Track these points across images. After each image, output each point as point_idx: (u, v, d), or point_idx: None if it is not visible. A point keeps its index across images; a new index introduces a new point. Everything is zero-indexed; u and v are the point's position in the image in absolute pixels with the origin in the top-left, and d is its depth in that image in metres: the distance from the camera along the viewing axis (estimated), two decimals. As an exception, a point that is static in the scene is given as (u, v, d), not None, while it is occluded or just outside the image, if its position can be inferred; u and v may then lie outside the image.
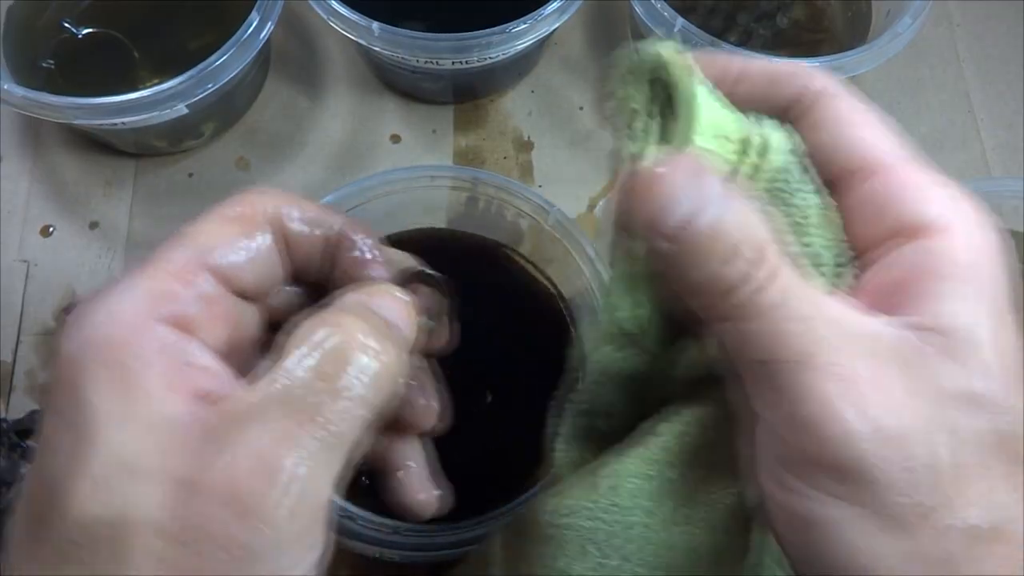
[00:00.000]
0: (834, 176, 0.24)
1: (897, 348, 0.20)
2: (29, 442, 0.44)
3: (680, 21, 0.44)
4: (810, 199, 0.23)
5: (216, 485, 0.20)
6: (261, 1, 0.44)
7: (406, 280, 0.27)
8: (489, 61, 0.45)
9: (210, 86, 0.42)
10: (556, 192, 0.50)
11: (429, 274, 0.28)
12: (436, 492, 0.29)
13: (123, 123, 0.43)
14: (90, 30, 0.49)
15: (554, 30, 0.46)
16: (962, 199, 0.23)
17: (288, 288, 0.27)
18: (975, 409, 0.19)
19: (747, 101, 0.24)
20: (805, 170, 0.23)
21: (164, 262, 0.23)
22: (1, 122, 0.51)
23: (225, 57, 0.43)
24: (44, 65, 0.48)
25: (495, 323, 0.43)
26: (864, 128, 0.24)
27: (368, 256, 0.27)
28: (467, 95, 0.52)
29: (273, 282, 0.26)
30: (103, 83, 0.47)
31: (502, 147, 0.52)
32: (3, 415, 0.44)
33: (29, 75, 0.47)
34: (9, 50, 0.48)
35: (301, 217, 0.26)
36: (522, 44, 0.44)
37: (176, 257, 0.23)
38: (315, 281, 0.27)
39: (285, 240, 0.26)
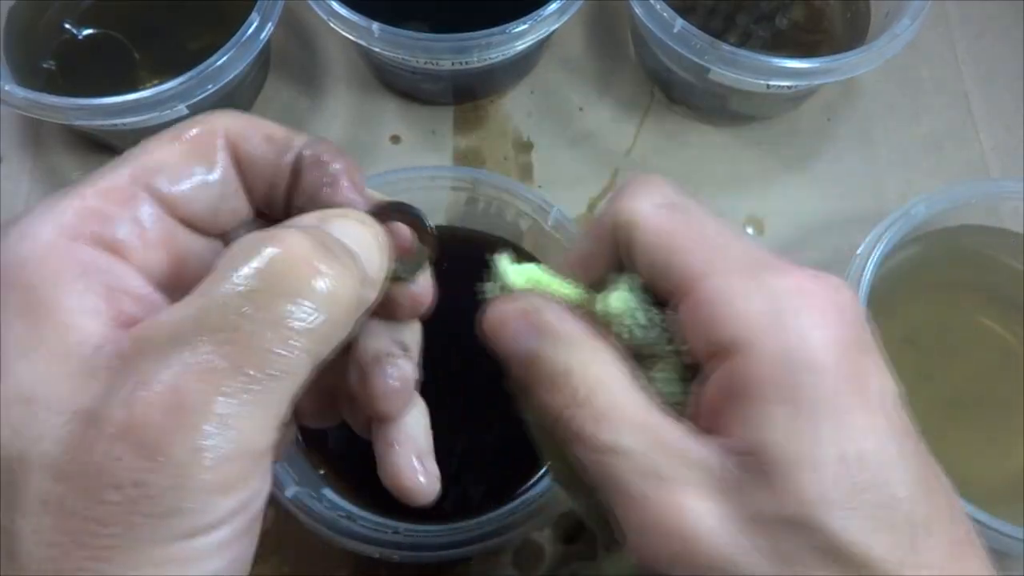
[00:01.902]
0: (668, 294, 0.23)
1: (711, 473, 0.20)
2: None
3: (679, 22, 0.44)
4: (651, 334, 0.24)
5: (116, 417, 0.17)
6: (261, 2, 0.44)
7: (380, 213, 0.23)
8: (489, 62, 0.45)
9: (210, 87, 0.43)
10: (556, 192, 0.50)
11: (408, 208, 0.24)
12: (434, 473, 0.26)
13: (123, 124, 0.43)
14: (91, 31, 0.49)
15: (554, 31, 0.46)
16: (778, 301, 0.21)
17: (252, 226, 0.24)
18: (793, 529, 0.19)
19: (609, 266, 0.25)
20: (647, 310, 0.24)
21: (97, 179, 0.21)
22: (1, 123, 0.51)
23: (225, 58, 0.43)
24: (45, 66, 0.48)
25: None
26: (678, 242, 0.23)
27: (338, 182, 0.23)
28: (467, 96, 0.52)
29: (232, 217, 0.23)
30: (103, 84, 0.47)
31: (502, 148, 0.52)
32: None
33: (30, 76, 0.47)
34: (10, 51, 0.48)
35: (263, 140, 0.23)
36: (522, 45, 0.44)
37: (111, 176, 0.21)
38: (276, 212, 0.24)
39: (246, 168, 0.23)
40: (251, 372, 0.18)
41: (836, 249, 0.49)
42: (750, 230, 0.50)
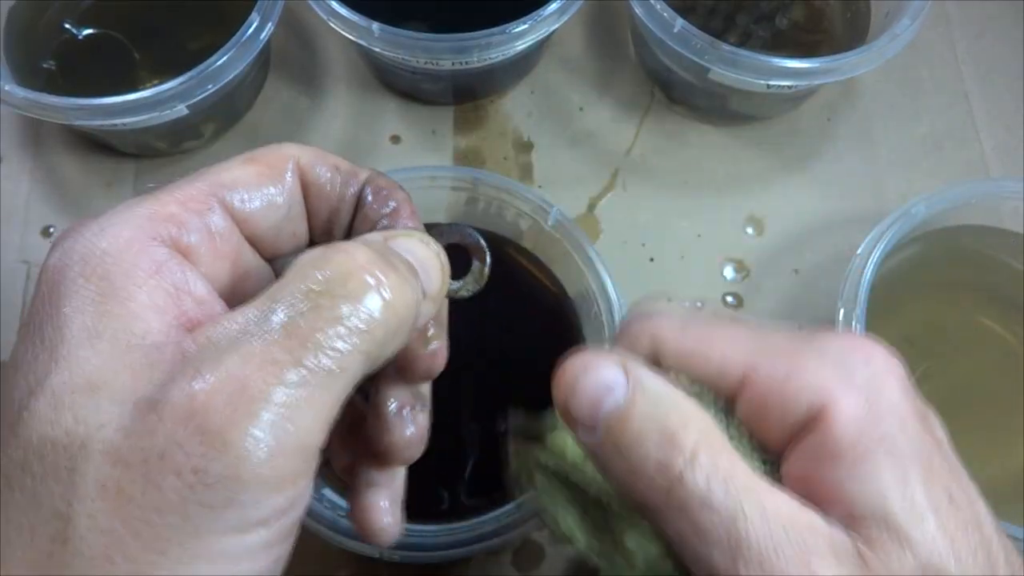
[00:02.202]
0: (729, 399, 0.23)
1: (831, 541, 0.19)
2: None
3: (679, 22, 0.44)
4: (718, 420, 0.23)
5: (178, 404, 0.18)
6: (261, 2, 0.44)
7: (439, 236, 0.24)
8: (489, 62, 0.45)
9: (210, 87, 0.43)
10: (556, 192, 0.50)
11: (469, 234, 0.25)
12: (400, 521, 0.27)
13: (123, 124, 0.43)
14: (91, 31, 0.49)
15: (554, 31, 0.46)
16: (832, 362, 0.21)
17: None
18: None
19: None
20: (711, 397, 0.24)
21: (174, 189, 0.22)
22: (1, 123, 0.51)
23: (225, 58, 0.43)
24: (45, 66, 0.48)
25: (497, 321, 0.43)
26: (709, 345, 0.23)
27: (398, 212, 0.24)
28: (467, 96, 0.52)
29: (292, 241, 0.24)
30: (103, 84, 0.47)
31: (502, 148, 0.52)
32: (3, 415, 0.44)
33: (30, 76, 0.47)
34: (10, 51, 0.48)
35: (330, 169, 0.24)
36: (522, 45, 0.44)
37: (188, 187, 0.22)
38: (338, 236, 0.25)
39: (312, 194, 0.24)
40: (310, 365, 0.18)
41: (836, 249, 0.49)
42: (750, 230, 0.50)
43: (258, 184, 0.23)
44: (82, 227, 0.21)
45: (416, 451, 0.25)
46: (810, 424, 0.21)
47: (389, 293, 0.20)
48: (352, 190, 0.24)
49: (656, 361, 0.23)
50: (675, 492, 0.20)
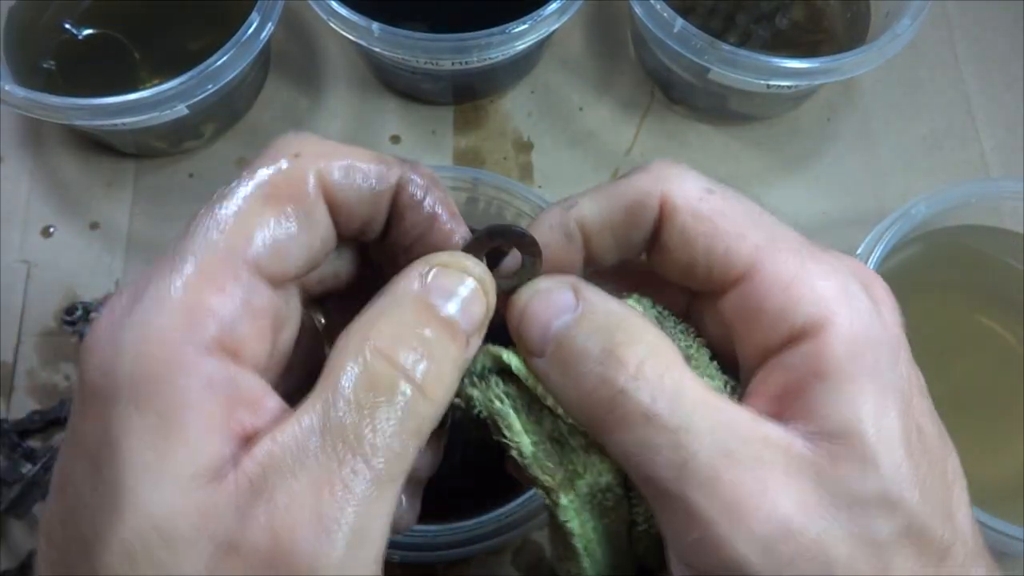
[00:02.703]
0: (713, 287, 0.22)
1: (797, 456, 0.19)
2: (29, 442, 0.44)
3: (679, 22, 0.44)
4: (678, 341, 0.23)
5: (259, 544, 0.17)
6: (261, 2, 0.44)
7: (484, 241, 0.23)
8: (489, 62, 0.45)
9: (210, 87, 0.43)
10: (556, 192, 0.50)
11: (507, 228, 0.24)
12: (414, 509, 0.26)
13: (123, 124, 0.43)
14: (90, 31, 0.49)
15: (554, 31, 0.46)
16: (840, 280, 0.21)
17: (334, 256, 0.23)
18: (887, 510, 0.19)
19: (612, 246, 0.23)
20: (673, 320, 0.24)
21: (196, 263, 0.19)
22: (1, 123, 0.51)
23: (225, 58, 0.43)
24: (45, 66, 0.48)
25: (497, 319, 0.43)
26: (724, 226, 0.22)
27: (435, 222, 0.23)
28: (467, 96, 0.52)
29: (320, 258, 0.22)
30: (103, 84, 0.47)
31: (502, 148, 0.52)
32: (3, 415, 0.44)
33: (30, 76, 0.47)
34: (10, 51, 0.48)
35: (351, 176, 0.22)
36: (522, 45, 0.44)
37: (210, 258, 0.19)
38: (370, 239, 0.23)
39: (341, 212, 0.22)
40: (374, 475, 0.18)
41: (836, 249, 0.49)
42: (750, 230, 0.50)
43: (279, 227, 0.20)
44: (119, 328, 0.19)
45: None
46: (802, 335, 0.20)
47: (431, 381, 0.20)
48: (385, 199, 0.22)
49: (656, 222, 0.23)
50: (618, 406, 0.20)
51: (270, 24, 0.44)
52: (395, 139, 0.52)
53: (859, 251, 0.41)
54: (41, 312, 0.47)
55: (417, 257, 0.22)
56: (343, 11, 0.44)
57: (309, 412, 0.19)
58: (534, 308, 0.22)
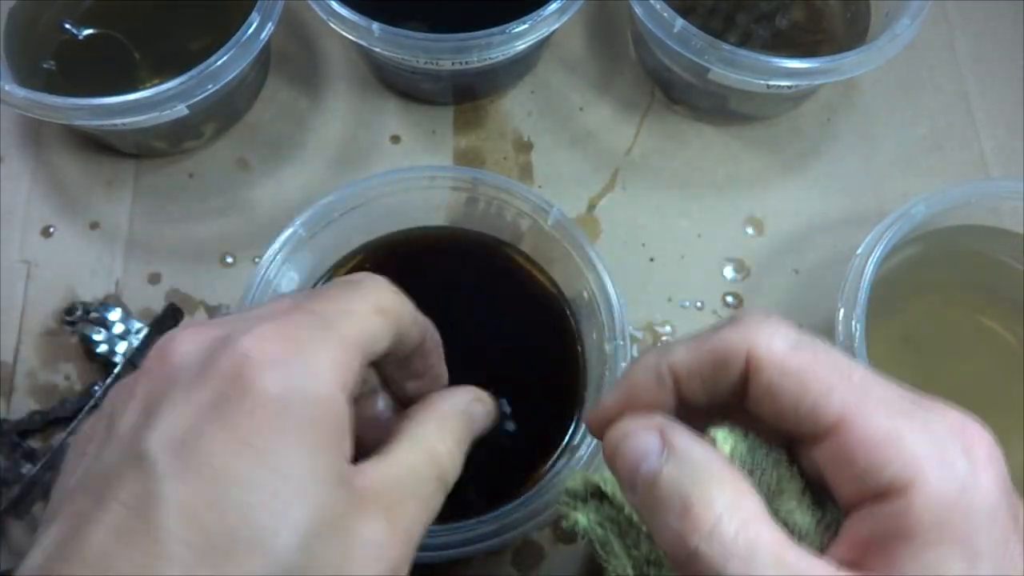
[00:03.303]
0: (803, 436, 0.23)
1: None
2: (29, 442, 0.44)
3: (679, 22, 0.44)
4: (769, 473, 0.23)
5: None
6: (261, 2, 0.44)
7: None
8: (489, 62, 0.45)
9: (210, 87, 0.43)
10: (556, 192, 0.50)
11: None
12: None
13: (123, 124, 0.43)
14: (91, 31, 0.49)
15: (554, 31, 0.46)
16: (933, 439, 0.21)
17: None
18: None
19: (701, 391, 0.25)
20: (765, 450, 0.24)
21: (343, 334, 0.24)
22: (1, 123, 0.51)
23: (225, 58, 0.43)
24: (45, 66, 0.48)
25: (496, 322, 0.43)
26: (812, 383, 0.22)
27: (438, 367, 0.31)
28: (467, 96, 0.52)
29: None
30: (104, 84, 0.47)
31: (502, 148, 0.52)
32: (3, 415, 0.44)
33: (30, 76, 0.47)
34: (10, 51, 0.48)
35: (414, 321, 0.28)
36: (522, 45, 0.44)
37: (349, 340, 0.25)
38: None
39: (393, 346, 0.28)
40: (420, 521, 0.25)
41: (836, 249, 0.49)
42: (750, 230, 0.50)
43: (384, 336, 0.26)
44: (291, 356, 0.23)
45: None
46: (888, 494, 0.20)
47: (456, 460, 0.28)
48: (418, 335, 0.29)
49: (744, 373, 0.23)
50: (692, 564, 0.21)
51: (270, 24, 0.44)
52: (395, 139, 0.52)
53: (859, 251, 0.41)
54: (41, 312, 0.47)
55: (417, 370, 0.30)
56: (343, 11, 0.44)
57: (387, 468, 0.25)
58: (624, 448, 0.23)
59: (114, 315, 0.46)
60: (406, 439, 0.26)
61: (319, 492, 0.22)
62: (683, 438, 0.22)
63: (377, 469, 0.24)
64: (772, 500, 0.23)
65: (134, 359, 0.44)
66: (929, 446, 0.21)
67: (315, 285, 0.43)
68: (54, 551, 0.22)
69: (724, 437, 0.24)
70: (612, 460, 0.24)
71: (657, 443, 0.22)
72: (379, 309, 0.26)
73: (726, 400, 0.24)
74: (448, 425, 0.28)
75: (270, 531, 0.21)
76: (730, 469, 0.22)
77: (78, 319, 0.46)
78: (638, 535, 0.24)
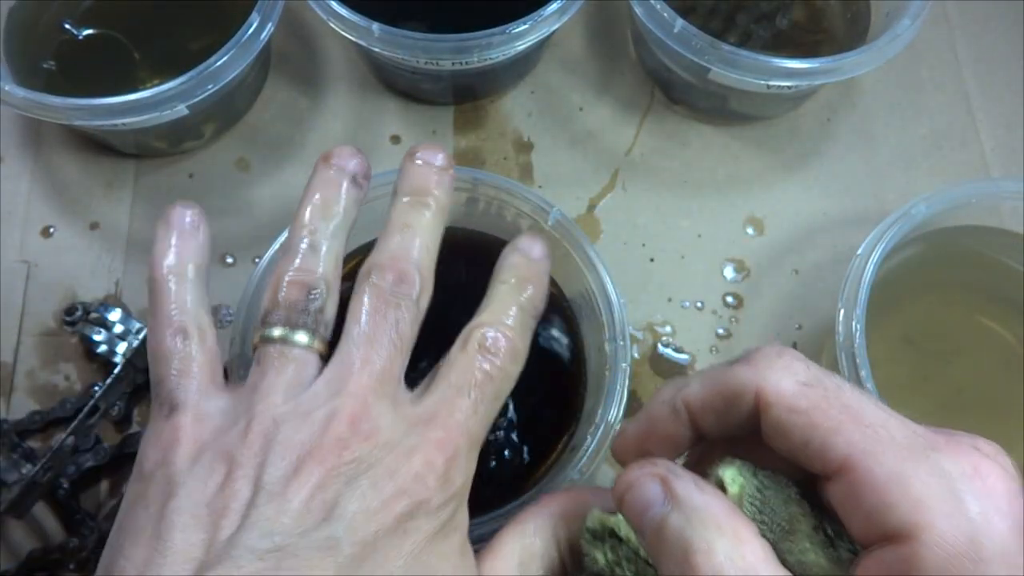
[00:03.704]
0: (815, 473, 0.23)
1: None
2: (29, 442, 0.44)
3: (680, 22, 0.44)
4: (780, 513, 0.23)
5: None
6: (261, 2, 0.44)
7: None
8: (489, 62, 0.45)
9: (210, 87, 0.43)
10: (556, 193, 0.50)
11: None
12: None
13: (123, 124, 0.43)
14: (91, 31, 0.49)
15: (554, 31, 0.46)
16: (943, 482, 0.21)
17: None
18: None
19: (715, 425, 0.25)
20: (775, 489, 0.24)
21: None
22: (1, 123, 0.51)
23: (225, 58, 0.43)
24: (45, 66, 0.48)
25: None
26: (821, 421, 0.22)
27: None
28: (467, 96, 0.52)
29: None
30: (104, 84, 0.47)
31: (502, 148, 0.52)
32: (3, 416, 0.44)
33: (30, 76, 0.47)
34: (10, 51, 0.48)
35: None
36: (522, 45, 0.44)
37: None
38: None
39: None
40: None
41: (836, 249, 0.49)
42: (750, 230, 0.50)
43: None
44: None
45: None
46: (896, 538, 0.20)
47: None
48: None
49: (755, 410, 0.23)
50: None
51: (270, 24, 0.44)
52: (395, 139, 0.52)
53: (859, 251, 0.41)
54: (41, 312, 0.47)
55: None
56: (343, 11, 0.44)
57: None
58: (630, 498, 0.24)
59: (114, 315, 0.45)
60: None
61: None
62: (684, 485, 0.23)
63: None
64: (784, 539, 0.23)
65: (134, 360, 0.44)
66: (938, 490, 0.20)
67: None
68: None
69: (732, 478, 0.24)
70: (620, 505, 0.24)
71: (660, 492, 0.23)
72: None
73: (745, 433, 0.24)
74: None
75: None
76: (732, 515, 0.22)
77: (78, 319, 0.46)
78: (654, 574, 0.25)
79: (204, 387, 0.27)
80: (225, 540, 0.23)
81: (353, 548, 0.23)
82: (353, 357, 0.27)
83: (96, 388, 0.44)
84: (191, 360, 0.27)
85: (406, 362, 0.28)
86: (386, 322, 0.28)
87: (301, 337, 0.28)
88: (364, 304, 0.28)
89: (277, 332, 0.28)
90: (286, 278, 0.28)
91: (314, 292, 0.28)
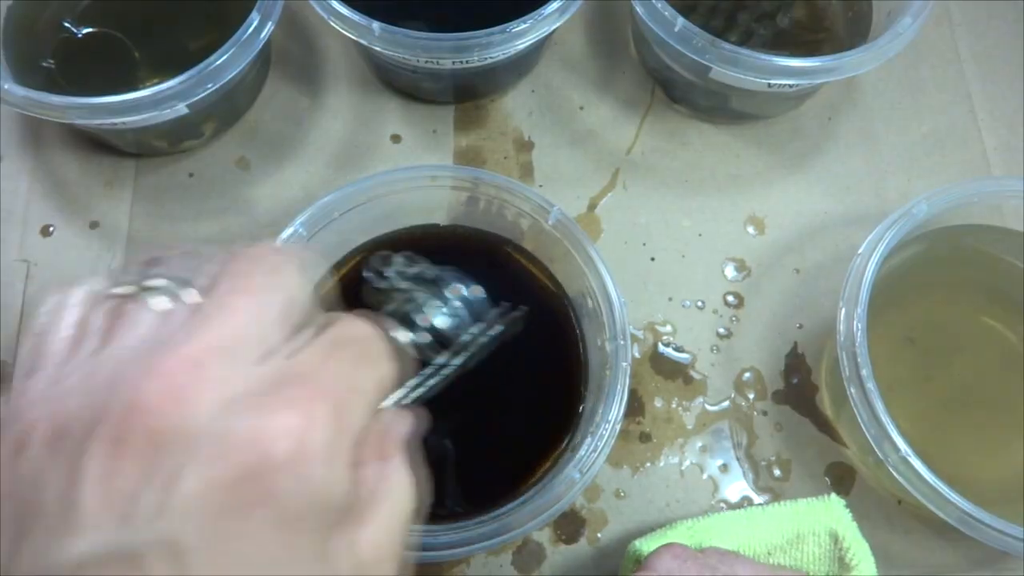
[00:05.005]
0: None
1: None
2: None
3: (680, 21, 0.44)
4: None
5: None
6: (261, 1, 0.44)
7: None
8: (489, 61, 0.45)
9: (210, 86, 0.42)
10: (556, 192, 0.50)
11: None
12: None
13: (123, 123, 0.43)
14: (90, 30, 0.49)
15: (554, 30, 0.46)
16: None
17: None
18: None
19: None
20: None
21: None
22: (1, 122, 0.51)
23: (225, 57, 0.42)
24: (44, 65, 0.48)
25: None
26: None
27: None
28: (467, 95, 0.52)
29: None
30: (103, 83, 0.47)
31: (502, 147, 0.52)
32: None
33: (29, 75, 0.47)
34: (9, 50, 0.48)
35: None
36: (522, 44, 0.44)
37: None
38: None
39: None
40: None
41: (837, 248, 0.49)
42: (751, 229, 0.50)
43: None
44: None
45: None
46: None
47: None
48: None
49: None
50: None
51: (270, 23, 0.44)
52: (396, 138, 0.52)
53: (860, 250, 0.41)
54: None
55: None
56: (343, 10, 0.44)
57: None
58: None
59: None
60: None
61: None
62: None
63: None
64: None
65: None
66: None
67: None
68: None
69: None
70: None
71: None
72: None
73: None
74: None
75: None
76: None
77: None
78: None
79: (64, 342, 0.22)
80: (44, 553, 0.19)
81: (198, 545, 0.19)
82: (217, 297, 0.22)
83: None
84: (60, 310, 0.23)
85: (297, 319, 0.23)
86: (261, 264, 0.23)
87: (157, 282, 0.23)
88: (232, 261, 0.23)
89: (126, 288, 0.23)
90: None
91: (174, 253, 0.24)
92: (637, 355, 0.47)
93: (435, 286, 0.29)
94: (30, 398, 0.21)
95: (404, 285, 0.30)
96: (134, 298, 0.22)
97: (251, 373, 0.21)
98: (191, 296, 0.22)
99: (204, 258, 0.23)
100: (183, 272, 0.23)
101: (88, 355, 0.21)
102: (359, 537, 0.21)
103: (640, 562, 0.34)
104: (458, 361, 0.29)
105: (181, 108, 0.43)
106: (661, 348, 0.47)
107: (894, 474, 0.37)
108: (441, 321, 0.29)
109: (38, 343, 0.22)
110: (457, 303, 0.29)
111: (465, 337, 0.29)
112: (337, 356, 0.22)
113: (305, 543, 0.20)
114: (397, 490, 0.23)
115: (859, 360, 0.38)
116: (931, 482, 0.36)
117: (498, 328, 0.29)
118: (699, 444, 0.45)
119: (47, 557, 0.18)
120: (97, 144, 0.50)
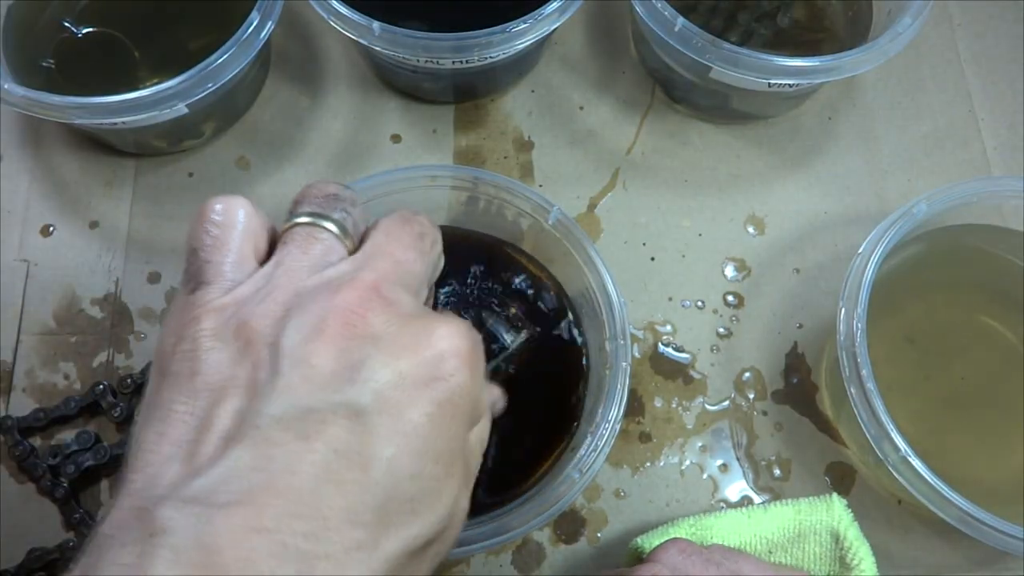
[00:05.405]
0: None
1: None
2: (29, 440, 0.44)
3: (680, 20, 0.44)
4: None
5: None
6: (261, 1, 0.44)
7: None
8: (489, 61, 0.45)
9: (210, 86, 0.42)
10: (556, 192, 0.50)
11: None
12: None
13: (123, 123, 0.43)
14: (90, 29, 0.49)
15: (554, 30, 0.46)
16: None
17: None
18: None
19: None
20: None
21: None
22: (1, 122, 0.51)
23: (225, 57, 0.42)
24: (44, 65, 0.48)
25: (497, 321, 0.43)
26: None
27: None
28: (467, 95, 0.52)
29: None
30: (103, 83, 0.47)
31: (502, 147, 0.52)
32: (4, 414, 0.44)
33: (29, 75, 0.47)
34: (9, 49, 0.48)
35: None
36: (522, 44, 0.44)
37: None
38: None
39: None
40: None
41: (837, 248, 0.49)
42: (751, 229, 0.50)
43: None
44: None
45: None
46: None
47: None
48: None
49: None
50: None
51: (270, 23, 0.44)
52: (396, 138, 0.52)
53: (861, 250, 0.41)
54: (40, 311, 0.47)
55: None
56: (344, 10, 0.44)
57: None
58: None
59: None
60: None
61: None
62: None
63: None
64: None
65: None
66: None
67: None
68: (253, 478, 0.21)
69: None
70: None
71: None
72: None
73: None
74: None
75: (442, 503, 0.24)
76: None
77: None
78: None
79: (238, 261, 0.27)
80: (253, 409, 0.23)
81: (378, 410, 0.23)
82: (380, 245, 0.27)
83: (101, 386, 0.44)
84: (231, 229, 0.27)
85: (429, 280, 0.29)
86: (410, 228, 0.28)
87: (330, 225, 0.27)
88: (386, 220, 0.29)
89: (305, 218, 0.28)
90: (315, 184, 0.29)
91: (344, 193, 0.29)
92: (637, 355, 0.47)
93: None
94: (211, 299, 0.25)
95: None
96: (308, 227, 0.27)
97: (410, 300, 0.26)
98: (351, 240, 0.28)
99: (348, 202, 0.28)
100: (336, 213, 0.28)
101: (261, 274, 0.26)
102: (472, 435, 0.27)
103: (641, 559, 0.34)
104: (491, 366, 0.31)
105: (181, 108, 0.43)
106: (661, 348, 0.47)
107: (894, 474, 0.37)
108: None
109: (207, 257, 0.27)
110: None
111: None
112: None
113: (455, 425, 0.24)
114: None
115: (859, 360, 0.38)
116: (931, 482, 0.36)
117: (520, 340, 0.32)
118: (699, 444, 0.45)
119: (248, 414, 0.23)
120: (97, 144, 0.50)
